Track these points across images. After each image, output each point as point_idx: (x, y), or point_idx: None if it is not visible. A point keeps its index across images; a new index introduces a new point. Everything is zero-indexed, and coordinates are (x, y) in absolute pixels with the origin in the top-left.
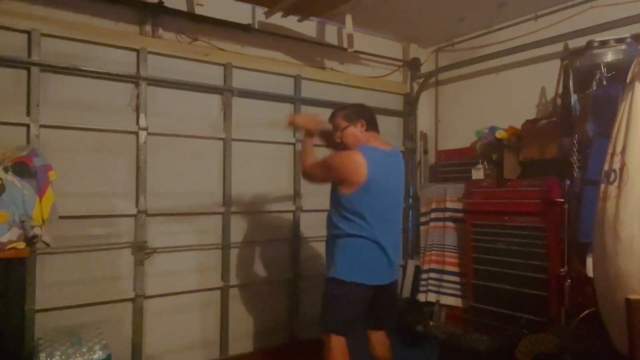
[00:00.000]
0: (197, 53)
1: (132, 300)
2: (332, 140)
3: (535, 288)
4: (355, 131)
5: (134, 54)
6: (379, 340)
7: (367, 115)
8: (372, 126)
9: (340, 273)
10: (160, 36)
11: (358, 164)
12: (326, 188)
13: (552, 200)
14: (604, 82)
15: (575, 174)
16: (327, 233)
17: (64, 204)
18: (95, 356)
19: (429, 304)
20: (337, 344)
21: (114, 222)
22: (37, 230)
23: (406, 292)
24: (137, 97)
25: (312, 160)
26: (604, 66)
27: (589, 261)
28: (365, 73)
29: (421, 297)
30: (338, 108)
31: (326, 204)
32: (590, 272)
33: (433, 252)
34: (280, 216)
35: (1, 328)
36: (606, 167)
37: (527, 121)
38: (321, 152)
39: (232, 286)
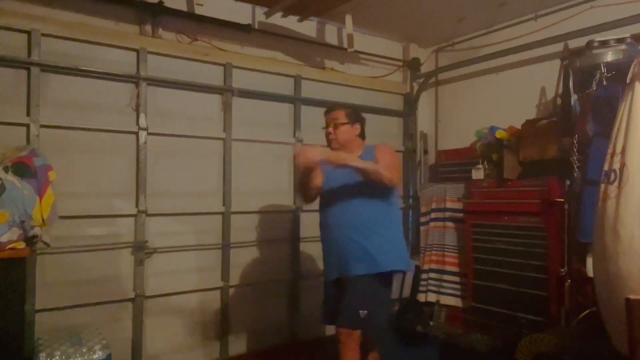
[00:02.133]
0: (197, 53)
1: (132, 300)
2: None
3: (535, 288)
4: (350, 131)
5: (134, 54)
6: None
7: (363, 123)
8: (362, 134)
9: (396, 263)
10: (160, 36)
11: None
12: None
13: (552, 200)
14: (604, 82)
15: (575, 174)
16: (356, 229)
17: (64, 204)
18: (95, 356)
19: (429, 304)
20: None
21: (114, 222)
22: (37, 230)
23: (406, 292)
24: (137, 97)
25: (384, 169)
26: (604, 66)
27: (589, 261)
28: (365, 73)
29: (421, 297)
30: (340, 104)
31: None
32: (590, 272)
33: (433, 252)
34: (280, 216)
35: (1, 328)
36: (606, 167)
37: (527, 121)
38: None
39: (232, 286)
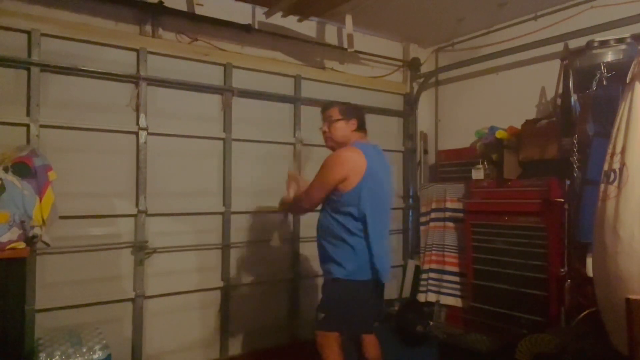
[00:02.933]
0: (197, 53)
1: (132, 300)
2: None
3: (535, 288)
4: (345, 127)
5: (134, 54)
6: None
7: (360, 116)
8: (361, 128)
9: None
10: (160, 36)
11: (356, 158)
12: None
13: (552, 200)
14: (604, 82)
15: (575, 174)
16: (322, 234)
17: (64, 204)
18: (95, 356)
19: (429, 304)
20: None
21: (114, 222)
22: (37, 230)
23: (406, 292)
24: (137, 97)
25: (301, 194)
26: (604, 66)
27: (589, 261)
28: (365, 73)
29: (421, 297)
30: (335, 100)
31: None
32: (590, 272)
33: (433, 252)
34: (280, 216)
35: (1, 328)
36: (606, 167)
37: (527, 121)
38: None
39: (232, 286)
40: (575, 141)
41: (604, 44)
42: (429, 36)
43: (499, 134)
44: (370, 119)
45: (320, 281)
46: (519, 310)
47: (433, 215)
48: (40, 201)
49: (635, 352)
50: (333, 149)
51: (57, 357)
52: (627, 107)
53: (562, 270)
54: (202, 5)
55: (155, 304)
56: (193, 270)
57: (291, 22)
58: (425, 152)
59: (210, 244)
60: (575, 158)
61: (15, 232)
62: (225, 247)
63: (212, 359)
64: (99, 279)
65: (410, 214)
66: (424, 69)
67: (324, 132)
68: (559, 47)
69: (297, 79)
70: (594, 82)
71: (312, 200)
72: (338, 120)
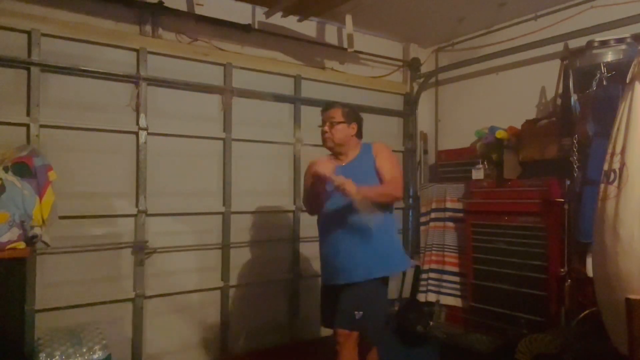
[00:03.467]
0: (197, 53)
1: (132, 300)
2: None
3: (535, 288)
4: (346, 130)
5: (134, 54)
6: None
7: (360, 122)
8: (359, 134)
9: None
10: (160, 36)
11: None
12: None
13: (552, 200)
14: (604, 82)
15: (575, 174)
16: (351, 232)
17: (64, 204)
18: (95, 356)
19: (429, 304)
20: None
21: (114, 222)
22: (37, 230)
23: (406, 292)
24: (137, 97)
25: (389, 188)
26: (604, 66)
27: (589, 261)
28: (365, 73)
29: (421, 297)
30: (338, 102)
31: None
32: (590, 272)
33: (433, 252)
34: (280, 216)
35: (1, 328)
36: (606, 167)
37: (527, 121)
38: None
39: (232, 286)
40: (575, 141)
41: (604, 44)
42: (429, 36)
43: (499, 134)
44: (370, 119)
45: (319, 281)
46: (519, 310)
47: (433, 215)
48: (41, 201)
49: (635, 352)
50: (332, 149)
51: (57, 357)
52: (627, 107)
53: (562, 270)
54: (202, 5)
55: (155, 304)
56: (193, 270)
57: (291, 22)
58: (425, 152)
59: (210, 244)
60: (575, 158)
61: (15, 232)
62: (225, 247)
63: (212, 359)
64: (99, 279)
65: (410, 214)
66: (424, 69)
67: (324, 132)
68: (559, 47)
69: (297, 79)
70: (594, 82)
71: (401, 185)
72: (340, 122)
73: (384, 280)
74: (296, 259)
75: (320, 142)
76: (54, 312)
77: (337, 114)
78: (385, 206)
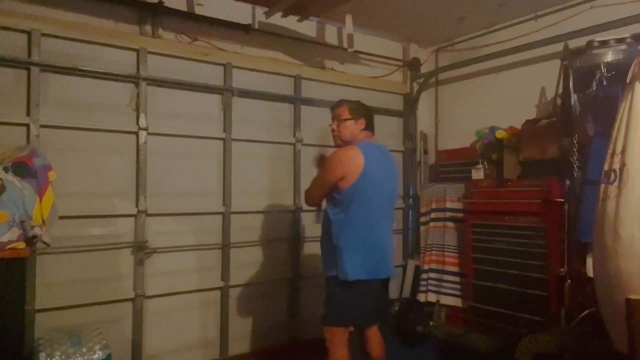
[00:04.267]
0: (197, 53)
1: (132, 300)
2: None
3: (535, 288)
4: (354, 126)
5: (134, 54)
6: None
7: (368, 116)
8: (369, 127)
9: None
10: (160, 36)
11: (355, 158)
12: None
13: (552, 200)
14: (604, 82)
15: (575, 174)
16: (324, 233)
17: (64, 204)
18: (95, 356)
19: (429, 304)
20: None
21: (114, 222)
22: (37, 230)
23: (406, 292)
24: (137, 97)
25: (309, 189)
26: (604, 66)
27: (589, 261)
28: (365, 73)
29: (421, 297)
30: (345, 99)
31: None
32: (590, 272)
33: (433, 252)
34: (280, 216)
35: (1, 328)
36: (606, 167)
37: (527, 121)
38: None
39: (232, 286)
40: (575, 141)
41: (604, 44)
42: (429, 36)
43: (499, 134)
44: None
45: (320, 281)
46: (519, 310)
47: (433, 215)
48: (41, 201)
49: (635, 352)
50: (341, 147)
51: (57, 357)
52: (627, 107)
53: (562, 270)
54: (202, 5)
55: (155, 304)
56: (193, 270)
57: (291, 22)
58: (425, 152)
59: (210, 244)
60: (575, 158)
61: (15, 232)
62: (225, 247)
63: (212, 359)
64: (99, 279)
65: (410, 214)
66: (424, 69)
67: (333, 131)
68: (559, 47)
69: (297, 79)
70: (594, 82)
71: (313, 198)
72: (347, 119)
73: (336, 281)
74: (296, 259)
75: (319, 142)
76: (54, 312)
77: (344, 111)
78: (334, 202)
